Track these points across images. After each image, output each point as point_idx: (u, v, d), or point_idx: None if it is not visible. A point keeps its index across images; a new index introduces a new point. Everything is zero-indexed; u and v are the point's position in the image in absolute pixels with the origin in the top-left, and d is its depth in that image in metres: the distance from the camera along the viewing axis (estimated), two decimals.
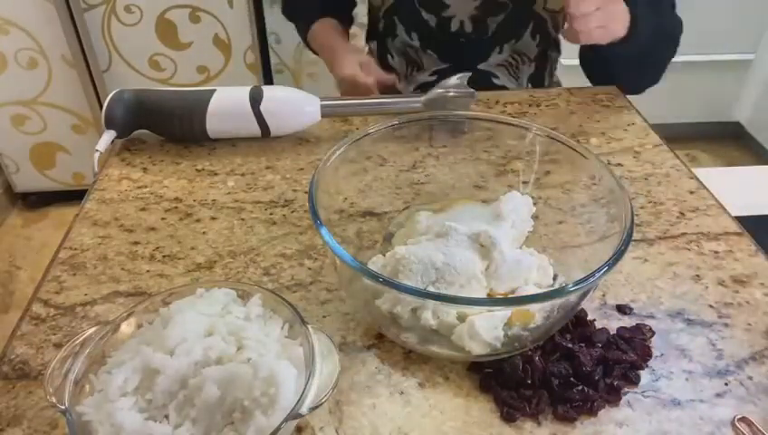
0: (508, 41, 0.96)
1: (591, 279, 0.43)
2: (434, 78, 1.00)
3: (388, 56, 1.04)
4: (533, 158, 0.61)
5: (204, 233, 0.65)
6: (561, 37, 1.01)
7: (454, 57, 0.99)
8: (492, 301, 0.50)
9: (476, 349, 0.48)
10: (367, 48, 1.14)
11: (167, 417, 0.42)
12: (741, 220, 0.69)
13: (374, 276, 0.44)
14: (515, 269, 0.52)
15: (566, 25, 0.81)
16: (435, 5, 0.94)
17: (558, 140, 0.59)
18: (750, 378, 0.51)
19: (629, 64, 0.89)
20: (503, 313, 0.48)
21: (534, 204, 0.59)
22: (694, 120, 2.39)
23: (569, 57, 1.02)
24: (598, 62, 0.94)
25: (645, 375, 0.51)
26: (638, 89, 0.94)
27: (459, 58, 0.98)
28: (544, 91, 0.94)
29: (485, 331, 0.47)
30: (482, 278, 0.51)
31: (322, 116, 0.79)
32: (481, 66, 0.99)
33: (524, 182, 0.63)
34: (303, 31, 1.08)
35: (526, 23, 0.95)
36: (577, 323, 0.54)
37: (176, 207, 0.69)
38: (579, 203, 0.59)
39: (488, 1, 0.92)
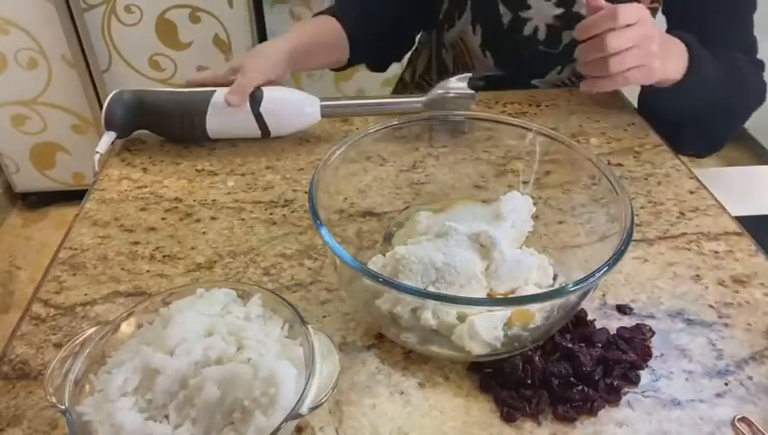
0: (575, 60, 0.92)
1: (591, 279, 0.43)
2: (481, 84, 0.92)
3: (443, 49, 0.98)
4: (533, 158, 0.61)
5: (204, 233, 0.65)
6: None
7: (511, 65, 0.92)
8: (492, 301, 0.50)
9: (476, 349, 0.48)
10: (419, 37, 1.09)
11: (167, 417, 0.42)
12: (741, 220, 0.69)
13: (374, 276, 0.44)
14: (515, 269, 0.52)
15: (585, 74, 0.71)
16: (516, 2, 0.87)
17: (558, 140, 0.59)
18: (750, 378, 0.51)
19: (688, 116, 0.79)
20: (503, 313, 0.48)
21: (534, 204, 0.59)
22: None
23: None
24: (652, 115, 0.84)
25: (645, 375, 0.51)
26: (697, 151, 0.85)
27: (517, 67, 0.92)
28: (544, 91, 0.94)
29: (485, 331, 0.47)
30: (482, 278, 0.51)
31: (322, 116, 0.79)
32: (535, 81, 0.94)
33: (524, 182, 0.63)
34: None
35: None
36: (577, 323, 0.54)
37: (176, 207, 0.69)
38: (579, 203, 0.59)
39: (571, 13, 0.86)
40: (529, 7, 0.87)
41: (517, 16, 0.88)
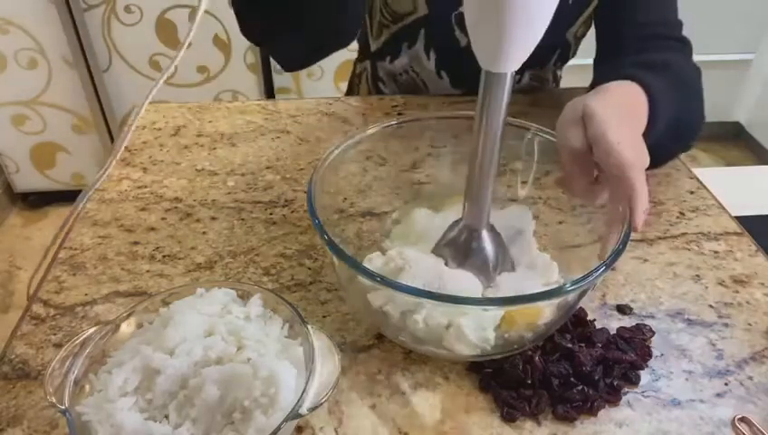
0: (531, 69, 0.90)
1: (589, 279, 0.43)
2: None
3: (379, 82, 0.97)
4: (533, 158, 0.61)
5: (204, 233, 0.65)
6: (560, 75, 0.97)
7: (470, 82, 0.83)
8: (488, 300, 0.50)
9: (465, 350, 0.47)
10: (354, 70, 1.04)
11: (167, 417, 0.42)
12: (741, 220, 0.69)
13: (370, 275, 0.44)
14: (516, 289, 0.52)
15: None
16: None
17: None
18: (750, 378, 0.51)
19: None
20: (493, 314, 0.48)
21: (534, 204, 0.59)
22: None
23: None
24: None
25: (645, 375, 0.51)
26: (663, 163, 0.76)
27: (475, 82, 0.89)
28: (545, 91, 0.94)
29: (473, 331, 0.47)
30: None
31: None
32: None
33: (524, 182, 0.62)
34: None
35: (554, 50, 0.89)
36: (577, 323, 0.54)
37: (176, 207, 0.69)
38: (578, 203, 0.59)
39: None
40: None
41: None
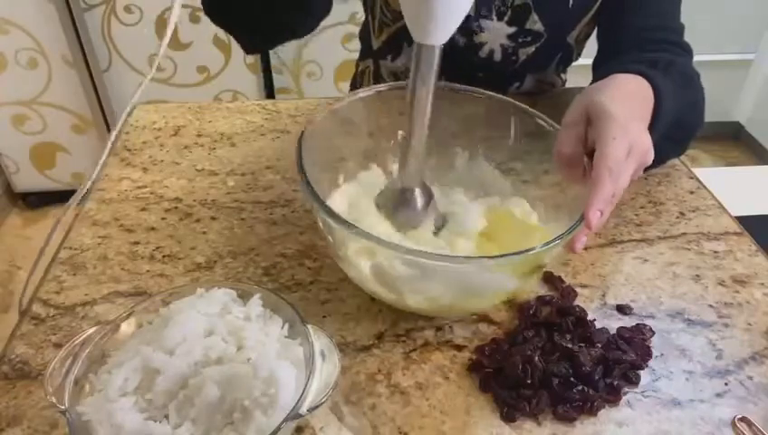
0: (533, 73, 0.90)
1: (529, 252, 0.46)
2: None
3: (381, 80, 0.95)
4: (533, 157, 0.61)
5: (204, 233, 0.65)
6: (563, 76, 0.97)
7: (466, 84, 0.83)
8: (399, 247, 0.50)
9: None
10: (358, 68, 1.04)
11: (167, 417, 0.42)
12: (741, 220, 0.69)
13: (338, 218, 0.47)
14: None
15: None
16: (467, 30, 0.83)
17: (540, 119, 0.59)
18: (750, 378, 0.51)
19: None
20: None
21: (533, 202, 0.59)
22: None
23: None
24: None
25: (645, 375, 0.51)
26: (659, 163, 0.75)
27: (473, 85, 0.84)
28: (546, 92, 0.94)
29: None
30: None
31: None
32: None
33: (524, 181, 0.63)
34: None
35: (555, 54, 0.88)
36: (577, 323, 0.54)
37: (176, 207, 0.69)
38: (571, 200, 0.59)
39: (523, 30, 0.82)
40: (482, 30, 0.83)
41: (471, 41, 0.84)
